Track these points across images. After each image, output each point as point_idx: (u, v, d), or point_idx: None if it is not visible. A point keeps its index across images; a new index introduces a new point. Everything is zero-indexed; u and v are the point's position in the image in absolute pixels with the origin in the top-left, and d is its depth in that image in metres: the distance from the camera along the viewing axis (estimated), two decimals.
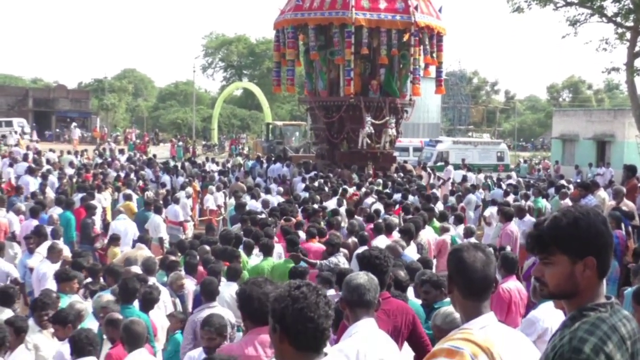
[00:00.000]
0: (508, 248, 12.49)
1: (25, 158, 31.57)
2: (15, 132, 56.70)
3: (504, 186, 26.37)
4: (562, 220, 2.94)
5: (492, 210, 18.37)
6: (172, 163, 34.05)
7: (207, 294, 8.24)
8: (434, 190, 23.34)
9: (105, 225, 17.50)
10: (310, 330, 3.32)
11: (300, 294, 3.36)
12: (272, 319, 3.41)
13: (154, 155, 38.28)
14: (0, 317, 7.91)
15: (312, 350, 3.36)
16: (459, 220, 16.31)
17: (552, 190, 23.27)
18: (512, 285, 8.49)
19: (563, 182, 26.69)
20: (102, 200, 20.05)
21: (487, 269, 3.62)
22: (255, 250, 12.27)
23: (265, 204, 18.82)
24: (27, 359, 6.99)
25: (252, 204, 18.83)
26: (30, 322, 7.90)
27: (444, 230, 14.14)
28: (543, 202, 20.01)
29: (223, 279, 9.68)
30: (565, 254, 2.93)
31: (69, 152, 37.36)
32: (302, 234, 13.56)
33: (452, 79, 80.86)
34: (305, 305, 3.32)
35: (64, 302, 8.44)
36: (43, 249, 12.33)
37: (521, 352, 3.67)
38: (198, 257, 11.33)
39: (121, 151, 43.40)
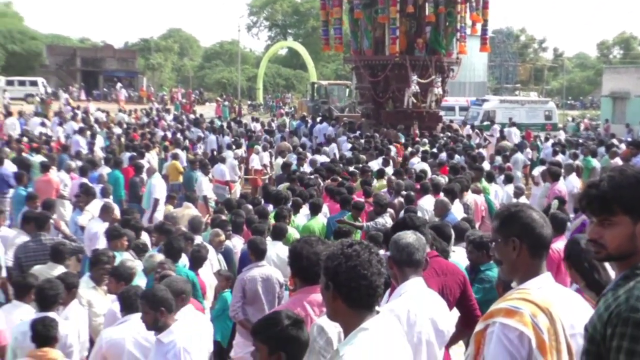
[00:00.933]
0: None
1: (73, 117, 31.96)
2: (65, 92, 57.36)
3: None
4: (622, 180, 2.89)
5: (540, 170, 18.16)
6: (218, 123, 34.19)
7: (258, 253, 8.29)
8: (480, 150, 23.10)
9: None
10: (363, 288, 3.32)
11: (353, 251, 3.36)
12: (324, 276, 3.42)
13: (201, 115, 38.42)
14: (52, 273, 8.08)
15: (364, 307, 3.37)
16: (509, 179, 16.13)
17: (602, 150, 22.90)
18: (562, 246, 8.38)
19: (614, 140, 26.23)
20: (150, 159, 20.26)
21: (547, 230, 3.56)
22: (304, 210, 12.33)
23: (313, 163, 18.84)
24: (81, 314, 7.13)
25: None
26: (85, 278, 8.06)
27: (476, 191, 13.94)
28: (594, 162, 19.69)
29: (268, 238, 9.72)
30: (628, 214, 2.88)
31: (120, 111, 37.92)
32: None
33: (498, 36, 79.66)
34: (358, 263, 3.33)
35: (115, 259, 8.57)
36: (92, 207, 12.52)
37: (577, 313, 3.62)
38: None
39: (167, 111, 43.67)
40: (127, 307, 6.45)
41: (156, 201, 15.20)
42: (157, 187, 15.42)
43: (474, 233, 7.99)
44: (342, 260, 3.34)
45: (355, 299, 3.35)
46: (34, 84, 58.74)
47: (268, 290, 8.03)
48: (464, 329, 5.72)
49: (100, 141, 23.89)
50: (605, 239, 2.92)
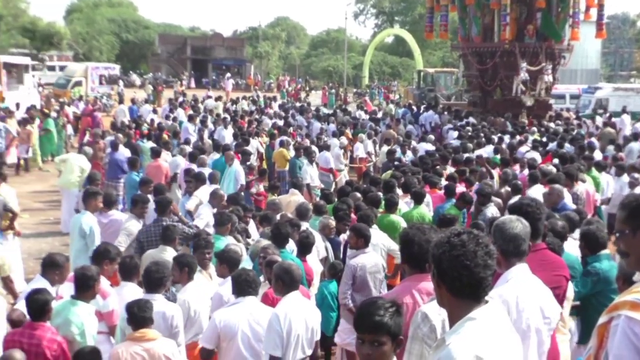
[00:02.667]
0: None
1: (181, 105, 32.69)
2: (180, 80, 58.60)
3: None
4: None
5: None
6: (324, 110, 34.32)
7: (365, 239, 8.29)
8: (592, 140, 22.41)
9: (261, 171, 17.86)
10: (464, 278, 3.28)
11: (459, 241, 3.32)
12: (432, 263, 3.41)
13: (308, 103, 38.68)
14: (163, 255, 8.33)
15: (469, 298, 3.33)
16: (621, 169, 15.59)
17: None
18: None
19: None
20: (258, 146, 20.52)
21: None
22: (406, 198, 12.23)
23: (414, 151, 18.71)
24: (200, 294, 7.30)
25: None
26: None
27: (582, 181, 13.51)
28: None
29: None
30: None
31: (244, 98, 38.80)
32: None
33: (613, 22, 77.03)
34: (461, 253, 3.28)
35: (220, 244, 8.76)
36: (200, 192, 12.76)
37: None
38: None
39: (274, 98, 44.17)
40: (240, 290, 6.60)
41: (242, 187, 15.34)
42: (241, 173, 15.57)
43: (589, 222, 7.81)
44: (447, 249, 3.32)
45: (457, 288, 3.31)
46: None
47: (375, 277, 8.04)
48: None
49: (229, 134, 24.06)
50: None
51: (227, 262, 7.65)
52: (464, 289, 3.31)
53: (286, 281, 6.37)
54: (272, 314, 6.18)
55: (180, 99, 37.82)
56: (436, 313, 4.25)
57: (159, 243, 9.34)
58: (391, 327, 3.64)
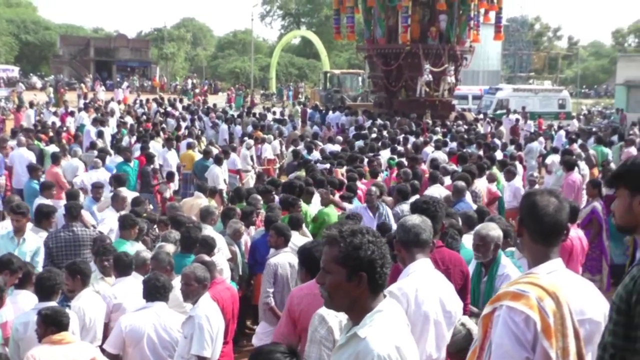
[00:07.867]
0: None
1: (85, 108, 31.97)
2: (83, 84, 57.13)
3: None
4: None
5: (553, 159, 18.11)
6: (230, 112, 34.12)
7: (286, 239, 8.33)
8: (495, 139, 23.01)
9: (168, 174, 17.41)
10: (388, 272, 3.34)
11: (375, 238, 3.34)
12: (350, 267, 3.27)
13: (214, 105, 38.35)
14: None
15: (382, 290, 3.38)
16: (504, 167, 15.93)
17: (615, 138, 22.83)
18: (574, 234, 8.45)
19: (637, 130, 26.46)
20: (162, 150, 20.19)
21: (559, 215, 3.51)
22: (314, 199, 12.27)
23: (322, 152, 18.78)
24: (94, 301, 7.07)
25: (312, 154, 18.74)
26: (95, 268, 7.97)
27: (492, 180, 13.92)
28: (606, 150, 19.64)
29: None
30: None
31: (155, 100, 38.30)
32: None
33: (513, 25, 79.35)
34: (385, 249, 3.33)
35: (124, 248, 8.53)
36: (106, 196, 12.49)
37: (588, 299, 3.58)
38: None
39: (180, 100, 43.68)
40: (150, 294, 6.53)
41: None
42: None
43: (492, 218, 8.01)
44: (374, 249, 3.28)
45: (381, 284, 3.34)
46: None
47: (293, 277, 7.97)
48: None
49: (108, 132, 23.64)
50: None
51: (116, 268, 7.56)
52: (384, 283, 3.36)
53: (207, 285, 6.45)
54: (199, 316, 6.18)
55: (83, 102, 37.01)
56: (333, 315, 4.26)
57: (69, 250, 9.11)
58: None
